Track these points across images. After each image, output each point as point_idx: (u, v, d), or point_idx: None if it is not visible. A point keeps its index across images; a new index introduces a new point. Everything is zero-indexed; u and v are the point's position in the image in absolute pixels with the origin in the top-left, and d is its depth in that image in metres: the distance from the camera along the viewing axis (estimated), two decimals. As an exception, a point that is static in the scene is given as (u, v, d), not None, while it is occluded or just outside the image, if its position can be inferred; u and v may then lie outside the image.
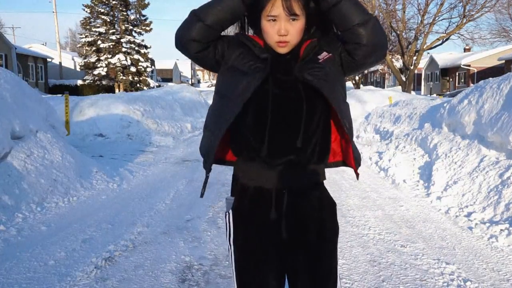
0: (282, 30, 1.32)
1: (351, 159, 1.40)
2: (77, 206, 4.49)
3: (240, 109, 1.28)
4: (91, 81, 29.71)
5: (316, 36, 1.39)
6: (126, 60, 29.39)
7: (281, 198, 1.35)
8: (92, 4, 29.65)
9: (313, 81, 1.30)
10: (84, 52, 30.55)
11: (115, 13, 30.17)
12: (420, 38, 24.89)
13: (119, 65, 29.20)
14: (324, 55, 1.35)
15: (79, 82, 30.62)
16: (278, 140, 1.33)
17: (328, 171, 1.48)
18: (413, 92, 27.84)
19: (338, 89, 1.35)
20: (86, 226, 3.79)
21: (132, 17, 30.65)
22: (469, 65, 32.14)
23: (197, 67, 62.52)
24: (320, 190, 1.42)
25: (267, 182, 1.36)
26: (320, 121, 1.36)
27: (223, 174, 6.07)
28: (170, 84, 32.97)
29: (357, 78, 36.25)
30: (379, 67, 42.26)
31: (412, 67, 24.75)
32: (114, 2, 29.48)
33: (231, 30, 1.44)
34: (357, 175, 1.42)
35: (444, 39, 24.57)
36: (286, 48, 1.35)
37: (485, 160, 4.76)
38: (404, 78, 25.06)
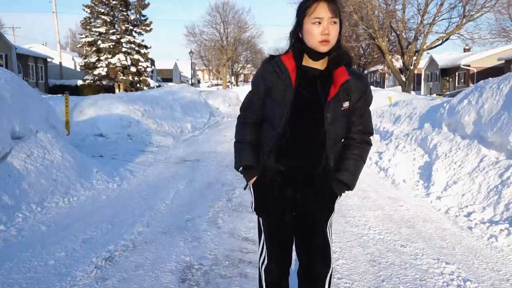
0: (326, 30, 1.62)
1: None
2: (77, 206, 4.49)
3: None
4: (91, 81, 29.70)
5: (342, 63, 1.72)
6: (126, 60, 29.38)
7: (296, 180, 1.78)
8: (92, 4, 29.64)
9: (327, 121, 1.69)
10: (84, 52, 30.55)
11: (115, 13, 30.16)
12: (420, 38, 24.88)
13: (119, 65, 29.19)
14: (346, 105, 1.71)
15: (79, 82, 30.61)
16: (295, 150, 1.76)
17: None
18: (413, 92, 27.85)
19: (338, 129, 1.75)
20: (86, 226, 3.79)
21: (132, 17, 30.64)
22: (469, 65, 32.14)
23: (197, 67, 62.55)
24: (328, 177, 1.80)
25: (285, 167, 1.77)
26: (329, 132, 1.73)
27: (223, 174, 6.07)
28: (170, 84, 32.97)
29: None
30: (379, 67, 42.29)
31: (412, 67, 24.75)
32: (114, 2, 29.47)
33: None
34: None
35: (444, 39, 24.56)
36: (327, 46, 1.65)
37: (485, 160, 4.76)
38: (404, 78, 25.06)
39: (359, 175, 1.81)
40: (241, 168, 1.82)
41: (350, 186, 1.78)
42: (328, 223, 1.85)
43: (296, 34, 1.72)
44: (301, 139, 1.73)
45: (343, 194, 1.84)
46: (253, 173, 1.80)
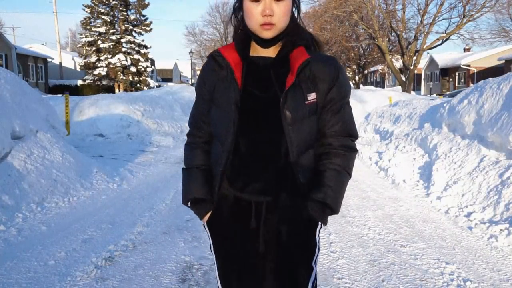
0: (267, 9, 1.22)
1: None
2: (77, 206, 4.49)
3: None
4: (91, 81, 29.70)
5: (299, 43, 1.32)
6: (126, 60, 29.38)
7: (260, 208, 1.33)
8: (92, 4, 29.64)
9: (286, 121, 1.25)
10: (84, 52, 30.54)
11: (115, 13, 30.16)
12: (420, 38, 24.89)
13: (119, 65, 29.19)
14: (312, 97, 1.28)
15: (79, 82, 30.61)
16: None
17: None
18: (413, 92, 27.85)
19: (303, 131, 1.30)
20: (86, 226, 3.79)
21: (132, 17, 30.64)
22: (469, 65, 32.15)
23: (197, 67, 62.56)
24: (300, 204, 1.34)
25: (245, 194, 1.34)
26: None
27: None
28: (170, 84, 32.98)
29: (357, 78, 36.25)
30: (379, 67, 42.29)
31: (412, 67, 24.75)
32: (114, 2, 29.47)
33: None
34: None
35: (444, 39, 24.57)
36: (271, 31, 1.25)
37: (485, 160, 4.76)
38: (404, 78, 25.06)
39: (344, 192, 1.34)
40: (189, 203, 1.40)
41: (332, 207, 1.30)
42: (312, 275, 1.34)
43: (241, 15, 1.34)
44: (258, 152, 1.30)
45: (327, 220, 1.34)
46: (205, 207, 1.38)
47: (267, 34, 1.26)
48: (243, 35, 1.33)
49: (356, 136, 1.37)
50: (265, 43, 1.30)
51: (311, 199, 1.30)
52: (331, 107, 1.31)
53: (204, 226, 1.43)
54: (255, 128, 1.29)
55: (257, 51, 1.33)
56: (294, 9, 1.32)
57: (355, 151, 1.37)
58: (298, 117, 1.25)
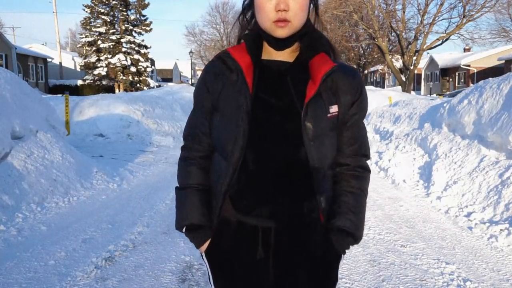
0: (282, 3, 1.07)
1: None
2: (77, 206, 4.49)
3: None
4: (91, 81, 29.71)
5: (321, 49, 1.16)
6: (126, 60, 29.39)
7: (268, 235, 1.16)
8: (92, 4, 29.65)
9: (307, 135, 1.10)
10: (84, 52, 30.55)
11: (115, 13, 30.16)
12: (420, 38, 24.90)
13: (119, 65, 29.20)
14: (334, 110, 1.13)
15: (79, 82, 30.62)
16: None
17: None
18: (413, 92, 27.86)
19: (325, 149, 1.15)
20: (86, 226, 3.79)
21: (132, 17, 30.65)
22: (469, 65, 32.15)
23: (197, 67, 62.59)
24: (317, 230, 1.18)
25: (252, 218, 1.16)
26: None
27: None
28: (170, 84, 32.98)
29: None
30: (379, 67, 42.31)
31: (412, 67, 24.76)
32: (114, 2, 29.48)
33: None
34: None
35: (444, 39, 24.58)
36: (286, 29, 1.09)
37: (485, 160, 4.76)
38: (404, 78, 25.07)
39: (364, 216, 1.23)
40: (184, 229, 1.22)
41: (354, 235, 1.18)
42: None
43: (251, 14, 1.20)
44: (268, 169, 1.12)
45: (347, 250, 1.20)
46: (203, 235, 1.20)
47: (282, 32, 1.10)
48: (255, 36, 1.16)
49: (369, 156, 1.27)
50: (279, 44, 1.15)
51: (331, 227, 1.16)
52: (352, 123, 1.18)
53: (202, 256, 1.24)
54: (266, 141, 1.11)
55: (269, 54, 1.17)
56: (311, 6, 1.17)
57: (369, 171, 1.26)
58: (320, 131, 1.10)
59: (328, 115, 1.12)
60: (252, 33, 1.17)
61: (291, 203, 1.14)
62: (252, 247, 1.15)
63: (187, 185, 1.22)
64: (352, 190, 1.19)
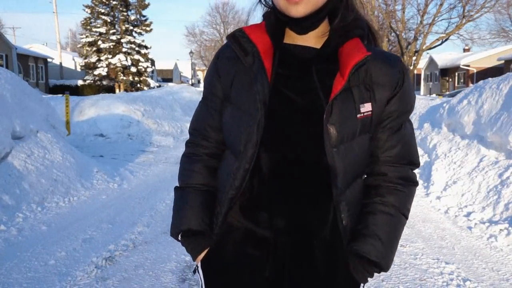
0: None
1: None
2: (78, 206, 4.50)
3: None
4: (92, 81, 29.71)
5: (354, 33, 0.96)
6: (126, 60, 29.40)
7: (283, 251, 0.98)
8: (93, 5, 29.66)
9: (330, 141, 0.91)
10: (85, 52, 30.55)
11: (115, 13, 30.17)
12: (420, 38, 24.91)
13: (120, 65, 29.21)
14: (366, 109, 0.93)
15: (80, 82, 30.63)
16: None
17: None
18: (413, 92, 27.80)
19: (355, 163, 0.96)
20: (86, 226, 3.80)
21: (133, 17, 30.65)
22: (468, 65, 32.15)
23: (197, 67, 62.62)
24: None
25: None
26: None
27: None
28: (170, 84, 33.00)
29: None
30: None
31: (411, 67, 24.77)
32: (114, 2, 29.49)
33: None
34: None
35: (444, 40, 24.60)
36: (302, 6, 0.89)
37: (485, 160, 4.77)
38: (404, 78, 25.05)
39: (397, 243, 1.01)
40: (180, 236, 1.04)
41: (380, 265, 0.97)
42: None
43: None
44: (285, 174, 0.95)
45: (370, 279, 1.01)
46: (202, 243, 1.03)
47: (296, 10, 0.89)
48: (275, 16, 0.97)
49: (417, 164, 1.02)
50: (300, 26, 0.95)
51: (353, 252, 0.96)
52: (390, 123, 0.97)
53: (197, 269, 1.05)
54: (284, 142, 0.94)
55: (292, 38, 0.98)
56: None
57: (415, 184, 1.02)
58: (347, 135, 0.91)
59: (359, 115, 0.92)
60: (271, 13, 0.99)
61: (311, 218, 0.96)
62: (260, 262, 0.98)
63: (189, 184, 1.06)
64: (384, 209, 0.97)
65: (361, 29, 0.97)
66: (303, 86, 0.95)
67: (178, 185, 1.09)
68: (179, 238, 1.04)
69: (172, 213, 1.08)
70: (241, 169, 0.95)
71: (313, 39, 0.98)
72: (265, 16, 1.01)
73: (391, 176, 0.99)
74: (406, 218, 1.00)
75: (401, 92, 0.96)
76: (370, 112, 0.93)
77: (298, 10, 0.90)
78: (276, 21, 0.97)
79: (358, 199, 0.99)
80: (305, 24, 0.94)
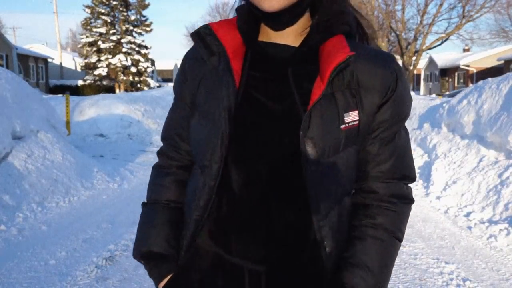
0: None
1: None
2: (78, 206, 4.50)
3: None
4: (92, 81, 29.73)
5: (337, 29, 0.82)
6: (126, 60, 29.41)
7: (257, 281, 0.83)
8: (93, 5, 29.67)
9: (308, 158, 0.76)
10: (85, 52, 30.57)
11: (115, 13, 30.18)
12: (420, 38, 24.95)
13: (120, 65, 29.22)
14: (352, 118, 0.79)
15: (80, 82, 30.64)
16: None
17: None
18: (412, 92, 27.88)
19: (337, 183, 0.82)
20: (86, 226, 3.80)
21: (133, 17, 30.66)
22: (468, 66, 32.17)
23: (197, 67, 62.55)
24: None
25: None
26: None
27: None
28: (170, 84, 33.00)
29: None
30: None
31: (411, 68, 24.79)
32: (114, 2, 29.50)
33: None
34: None
35: (444, 40, 24.63)
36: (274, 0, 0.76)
37: (484, 160, 4.77)
38: (404, 79, 25.08)
39: (391, 271, 0.85)
40: (142, 257, 0.92)
41: None
42: None
43: None
44: (259, 192, 0.80)
45: None
46: (165, 267, 0.89)
47: (270, 4, 0.76)
48: (248, 10, 0.85)
49: (413, 178, 0.88)
50: (275, 22, 0.82)
51: (339, 285, 0.81)
52: (381, 134, 0.82)
53: None
54: (256, 155, 0.80)
55: (268, 35, 0.85)
56: None
57: (411, 201, 0.87)
58: (328, 150, 0.77)
59: (343, 126, 0.78)
60: (244, 7, 0.86)
61: (287, 245, 0.81)
62: None
63: (156, 200, 0.94)
64: (375, 233, 0.82)
65: (347, 25, 0.82)
66: (278, 90, 0.81)
67: (144, 201, 0.98)
68: (141, 261, 0.92)
69: (136, 232, 0.95)
70: (206, 186, 0.82)
71: (292, 37, 0.84)
72: (237, 10, 0.88)
73: (382, 194, 0.84)
74: (400, 241, 0.86)
75: (394, 97, 0.81)
76: (356, 122, 0.79)
77: (272, 4, 0.76)
78: (249, 15, 0.85)
79: (345, 221, 0.84)
80: (281, 19, 0.81)
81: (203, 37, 0.85)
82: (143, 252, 0.91)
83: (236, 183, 0.81)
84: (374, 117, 0.81)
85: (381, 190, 0.84)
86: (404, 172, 0.85)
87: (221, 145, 0.79)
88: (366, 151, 0.83)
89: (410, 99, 0.86)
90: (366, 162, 0.84)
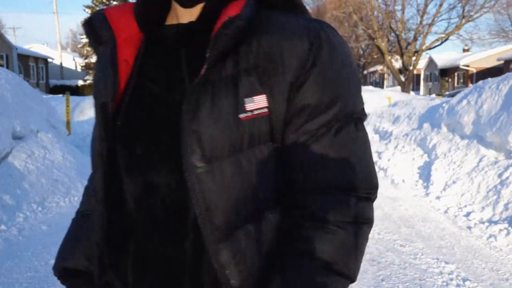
0: None
1: None
2: (78, 205, 4.51)
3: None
4: (92, 82, 29.70)
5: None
6: (126, 60, 29.44)
7: None
8: (93, 5, 29.68)
9: (190, 161, 0.58)
10: (85, 52, 30.59)
11: (115, 13, 30.21)
12: (419, 38, 24.97)
13: (119, 65, 29.24)
14: (258, 105, 0.60)
15: (80, 82, 30.67)
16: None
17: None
18: (412, 93, 27.90)
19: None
20: (87, 226, 3.81)
21: (132, 17, 30.71)
22: (468, 66, 32.18)
23: (197, 67, 62.65)
24: None
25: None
26: None
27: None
28: (170, 84, 32.99)
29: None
30: (379, 67, 42.36)
31: (411, 68, 24.81)
32: (114, 3, 29.52)
33: None
34: None
35: (443, 40, 24.65)
36: None
37: (484, 160, 4.78)
38: (403, 79, 25.11)
39: None
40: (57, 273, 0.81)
41: None
42: None
43: None
44: (156, 210, 0.65)
45: None
46: (80, 286, 0.79)
47: None
48: None
49: (370, 188, 0.64)
50: None
51: None
52: (305, 125, 0.61)
53: None
54: (147, 161, 0.64)
55: (178, 15, 0.68)
56: None
57: (365, 222, 0.62)
58: (222, 148, 0.59)
59: (243, 115, 0.59)
60: None
61: (194, 276, 0.63)
62: None
63: (82, 210, 0.86)
64: (303, 265, 0.59)
65: None
66: (169, 76, 0.65)
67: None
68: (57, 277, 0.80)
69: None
70: (99, 201, 0.68)
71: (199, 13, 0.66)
72: None
73: (316, 209, 0.60)
74: (349, 278, 0.61)
75: (315, 76, 0.60)
76: (266, 110, 0.60)
77: None
78: None
79: (264, 245, 0.61)
80: None
81: (91, 22, 0.73)
82: (57, 268, 0.81)
83: (131, 198, 0.66)
84: (291, 103, 0.61)
85: (314, 205, 0.60)
86: (352, 180, 0.61)
87: (100, 148, 0.67)
88: (289, 150, 0.62)
89: (354, 80, 0.64)
90: (292, 168, 0.62)
